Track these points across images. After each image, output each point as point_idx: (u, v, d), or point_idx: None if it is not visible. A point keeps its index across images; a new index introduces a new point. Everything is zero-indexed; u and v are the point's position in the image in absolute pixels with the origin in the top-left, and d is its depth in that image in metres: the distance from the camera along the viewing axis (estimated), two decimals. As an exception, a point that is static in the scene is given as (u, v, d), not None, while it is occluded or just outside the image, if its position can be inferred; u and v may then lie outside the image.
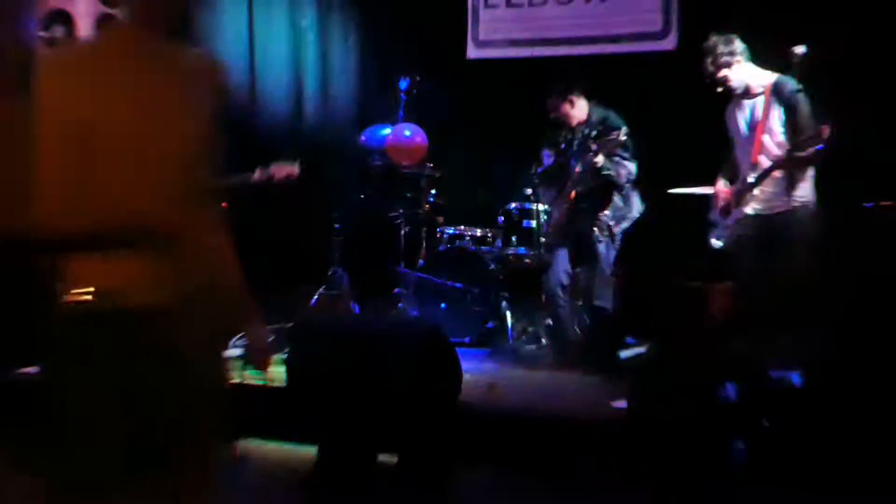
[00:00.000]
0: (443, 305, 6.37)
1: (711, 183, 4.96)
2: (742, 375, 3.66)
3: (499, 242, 6.42)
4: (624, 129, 5.45)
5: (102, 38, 2.36)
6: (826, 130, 4.12)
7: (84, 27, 6.53)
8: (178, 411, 2.13)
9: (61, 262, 2.14)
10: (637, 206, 5.72)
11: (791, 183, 4.44)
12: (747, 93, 4.62)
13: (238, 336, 2.46)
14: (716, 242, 4.82)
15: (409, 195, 6.82)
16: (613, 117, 5.67)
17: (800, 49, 4.44)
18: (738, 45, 4.58)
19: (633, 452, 3.80)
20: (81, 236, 2.05)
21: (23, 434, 4.17)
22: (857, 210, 4.64)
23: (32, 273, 5.39)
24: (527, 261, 6.22)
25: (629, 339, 6.02)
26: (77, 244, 2.07)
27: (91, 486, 2.09)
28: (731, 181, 4.80)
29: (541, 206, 6.07)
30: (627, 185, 5.63)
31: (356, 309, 6.60)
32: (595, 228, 5.62)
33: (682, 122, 6.01)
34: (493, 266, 6.26)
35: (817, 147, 4.17)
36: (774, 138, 4.50)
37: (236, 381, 3.98)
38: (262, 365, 2.42)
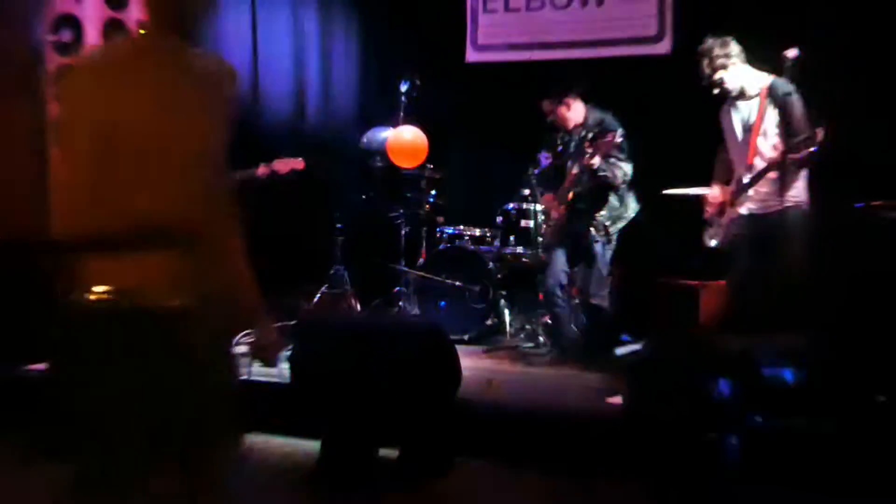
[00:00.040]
0: (442, 303, 6.38)
1: (706, 184, 4.96)
2: (736, 373, 3.67)
3: (497, 242, 6.43)
4: (620, 132, 5.46)
5: (125, 42, 2.39)
6: (821, 133, 4.13)
7: (91, 31, 6.52)
8: (194, 409, 2.14)
9: (81, 260, 2.14)
10: (633, 207, 5.73)
11: (785, 183, 4.44)
12: (743, 95, 4.61)
13: (243, 332, 2.47)
14: (711, 242, 4.83)
15: (409, 195, 6.83)
16: (609, 120, 5.67)
17: (792, 52, 4.45)
18: (734, 47, 4.57)
19: (630, 448, 3.80)
20: (105, 237, 2.06)
21: (32, 429, 4.20)
22: (848, 210, 4.64)
23: (41, 272, 5.42)
24: (524, 260, 6.23)
25: (625, 337, 6.05)
26: (101, 245, 2.08)
27: (110, 480, 2.09)
28: (726, 181, 4.80)
29: (538, 207, 6.07)
30: (623, 186, 5.63)
31: (358, 307, 6.60)
32: (592, 229, 5.62)
33: (677, 124, 6.01)
34: (491, 265, 6.27)
35: (812, 149, 4.17)
36: (769, 140, 4.50)
37: (243, 377, 4.00)
38: (271, 360, 2.43)
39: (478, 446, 4.24)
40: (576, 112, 5.80)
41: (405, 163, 6.63)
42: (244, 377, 4.25)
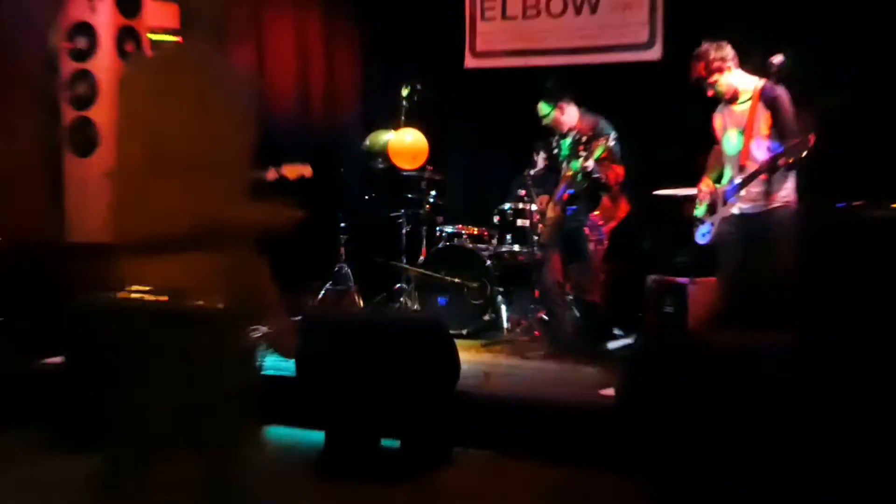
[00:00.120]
0: (442, 300, 6.38)
1: (694, 185, 4.95)
2: (725, 368, 3.66)
3: (494, 241, 6.43)
4: (612, 135, 5.47)
5: (167, 51, 2.41)
6: (813, 138, 4.12)
7: (105, 38, 6.52)
8: (222, 405, 2.14)
9: (124, 260, 2.15)
10: (624, 207, 5.74)
11: (775, 185, 4.44)
12: (736, 97, 4.59)
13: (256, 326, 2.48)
14: (701, 239, 4.82)
15: (410, 196, 6.83)
16: (602, 123, 5.68)
17: (777, 58, 4.45)
18: (729, 51, 4.55)
19: (622, 438, 3.80)
20: (151, 238, 2.07)
21: (51, 421, 4.21)
22: (830, 210, 4.64)
23: (58, 272, 5.42)
24: (520, 257, 6.23)
25: (617, 331, 6.06)
26: (146, 246, 2.08)
27: (142, 472, 2.10)
28: (717, 181, 4.78)
29: (534, 207, 6.08)
30: (615, 187, 5.64)
31: (361, 303, 6.61)
32: (586, 228, 5.63)
33: (667, 127, 6.02)
34: (489, 263, 6.27)
35: (803, 153, 4.17)
36: (761, 142, 4.47)
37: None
38: (288, 351, 2.45)
39: (476, 436, 4.25)
40: (570, 116, 5.81)
41: (406, 164, 6.64)
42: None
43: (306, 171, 5.87)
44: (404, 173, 6.73)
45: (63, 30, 6.55)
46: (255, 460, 2.25)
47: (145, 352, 2.08)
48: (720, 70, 4.52)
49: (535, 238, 5.97)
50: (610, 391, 4.31)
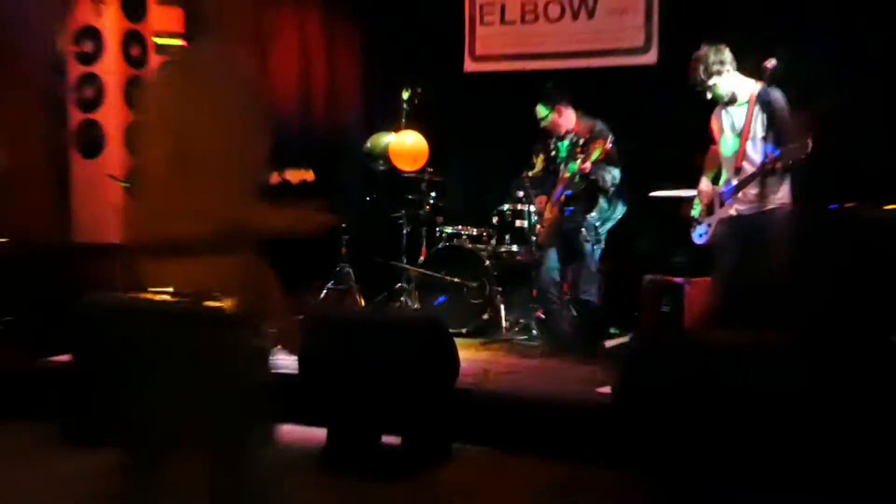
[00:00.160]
0: (441, 299, 6.38)
1: (690, 186, 4.95)
2: (720, 367, 3.65)
3: (493, 241, 6.43)
4: (609, 137, 5.47)
5: (189, 54, 2.41)
6: (811, 143, 4.12)
7: (111, 42, 6.52)
8: (236, 403, 2.13)
9: (146, 261, 2.15)
10: (621, 209, 5.74)
11: (771, 186, 4.44)
12: (734, 100, 4.58)
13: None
14: (698, 240, 4.81)
15: (410, 197, 6.83)
16: (599, 126, 5.68)
17: (770, 63, 4.45)
18: (728, 54, 4.54)
19: (618, 435, 3.80)
20: (173, 240, 2.06)
21: (62, 417, 4.20)
22: (824, 211, 4.64)
23: (66, 272, 5.42)
24: (518, 258, 6.22)
25: (613, 330, 6.06)
26: (168, 247, 2.08)
27: (158, 469, 2.09)
28: (714, 182, 4.77)
29: (532, 208, 6.08)
30: (612, 189, 5.64)
31: (362, 302, 6.61)
32: (582, 229, 5.63)
33: (662, 130, 6.02)
34: (487, 262, 6.27)
35: (802, 157, 4.16)
36: (757, 145, 4.47)
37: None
38: (294, 348, 2.45)
39: (475, 433, 4.25)
40: (567, 119, 5.81)
41: (407, 166, 6.64)
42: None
43: (309, 175, 5.87)
44: (405, 175, 6.73)
45: (70, 34, 6.56)
46: (267, 461, 2.24)
47: (161, 352, 2.07)
48: (719, 73, 4.51)
49: (533, 238, 5.97)
50: (606, 389, 4.31)
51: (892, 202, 4.56)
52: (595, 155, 5.42)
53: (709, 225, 4.71)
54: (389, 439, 4.11)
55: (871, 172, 5.14)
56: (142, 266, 2.14)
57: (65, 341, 4.54)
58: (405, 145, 6.59)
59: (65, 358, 4.67)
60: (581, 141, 5.60)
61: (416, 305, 6.41)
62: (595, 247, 5.64)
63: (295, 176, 5.78)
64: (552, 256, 5.80)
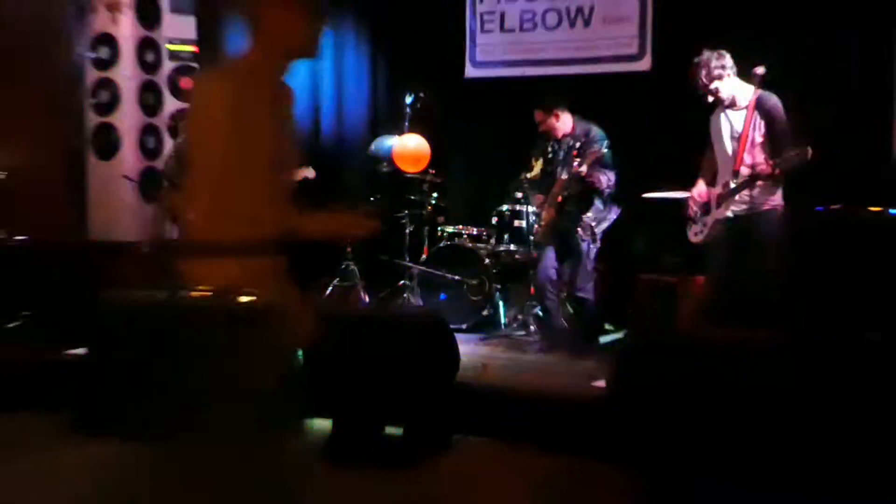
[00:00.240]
0: (442, 296, 6.38)
1: (683, 188, 4.94)
2: (712, 364, 3.64)
3: (493, 240, 6.42)
4: (605, 143, 5.48)
5: (234, 63, 2.41)
6: (809, 151, 4.10)
7: (126, 49, 6.54)
8: (268, 400, 2.12)
9: (191, 260, 2.15)
10: (616, 210, 5.74)
11: (767, 189, 4.43)
12: (733, 104, 4.55)
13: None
14: (694, 238, 4.80)
15: (413, 198, 6.82)
16: (595, 130, 5.68)
17: (760, 69, 4.45)
18: (728, 60, 4.51)
19: (612, 428, 3.79)
20: (222, 242, 2.06)
21: (77, 408, 4.19)
22: (816, 213, 4.62)
23: (89, 270, 5.41)
24: (517, 256, 6.21)
25: (608, 327, 6.05)
26: (217, 249, 2.08)
27: (185, 461, 2.09)
28: (711, 183, 4.75)
29: (530, 209, 6.08)
30: (607, 191, 5.65)
31: (366, 299, 6.61)
32: (579, 229, 5.63)
33: (656, 134, 6.02)
34: (487, 261, 6.27)
35: (800, 163, 4.16)
36: (755, 149, 4.45)
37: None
38: (307, 342, 2.44)
39: (475, 424, 4.25)
40: (564, 123, 5.82)
41: (409, 168, 6.64)
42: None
43: (309, 173, 5.88)
44: (408, 176, 6.73)
45: (87, 41, 6.57)
46: (295, 456, 2.24)
47: (196, 348, 2.07)
48: (720, 77, 4.49)
49: (531, 238, 5.97)
50: (601, 383, 4.31)
51: (876, 205, 4.56)
52: (591, 158, 5.43)
53: (705, 224, 4.70)
54: (392, 430, 4.12)
55: (862, 174, 5.15)
56: (182, 265, 2.14)
57: (84, 335, 4.53)
58: (408, 148, 6.59)
59: (80, 351, 4.67)
60: (577, 144, 5.60)
61: (419, 302, 6.41)
62: (591, 246, 5.64)
63: (297, 174, 5.78)
64: (550, 255, 5.80)
